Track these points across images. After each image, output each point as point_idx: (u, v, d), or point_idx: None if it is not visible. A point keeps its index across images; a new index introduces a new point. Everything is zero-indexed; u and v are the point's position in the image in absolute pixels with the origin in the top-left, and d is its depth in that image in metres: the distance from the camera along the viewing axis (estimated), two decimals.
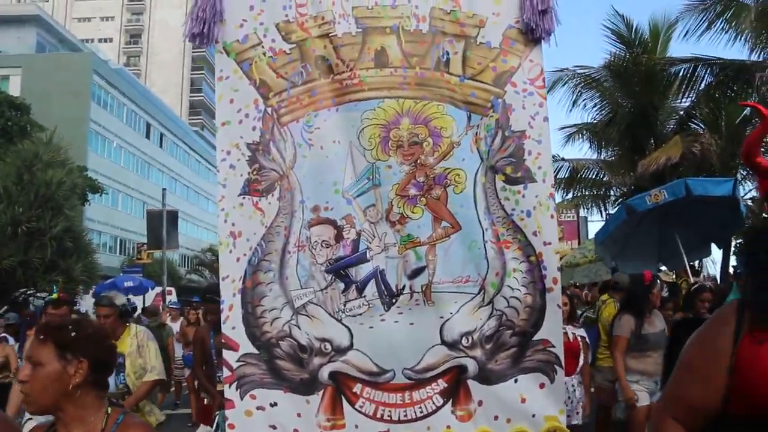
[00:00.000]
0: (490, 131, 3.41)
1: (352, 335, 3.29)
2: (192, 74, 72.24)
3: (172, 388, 11.55)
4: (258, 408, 3.22)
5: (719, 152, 15.04)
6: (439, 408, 3.26)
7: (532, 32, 3.41)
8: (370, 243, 3.37)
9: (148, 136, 50.82)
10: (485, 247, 3.35)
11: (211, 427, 5.02)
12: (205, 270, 41.35)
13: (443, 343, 3.29)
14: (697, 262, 10.85)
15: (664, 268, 10.08)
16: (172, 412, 10.82)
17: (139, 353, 4.88)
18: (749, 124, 15.88)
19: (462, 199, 3.38)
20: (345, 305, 3.32)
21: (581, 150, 30.66)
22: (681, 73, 15.18)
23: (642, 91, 16.34)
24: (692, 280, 7.96)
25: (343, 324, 3.30)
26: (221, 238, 3.35)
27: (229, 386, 3.25)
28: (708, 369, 1.74)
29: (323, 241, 3.37)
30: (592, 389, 6.35)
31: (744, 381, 1.68)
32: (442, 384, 3.28)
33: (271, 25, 3.43)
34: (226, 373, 3.27)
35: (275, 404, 3.23)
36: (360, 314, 3.31)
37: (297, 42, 3.43)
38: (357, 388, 3.27)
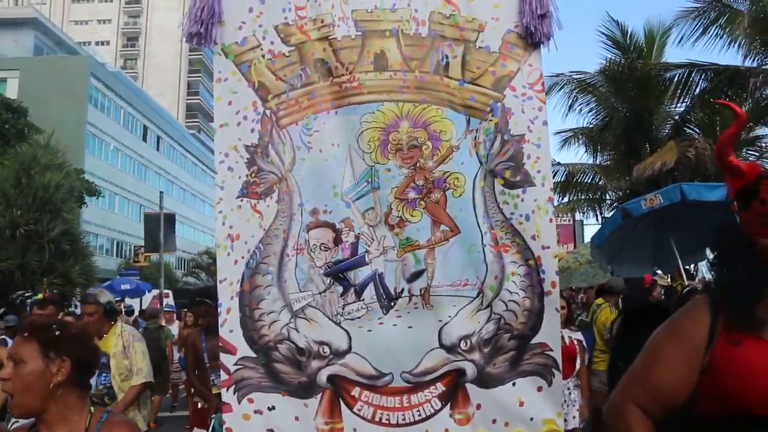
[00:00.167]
0: (489, 135, 3.41)
1: (350, 338, 3.27)
2: (189, 77, 72.31)
3: (170, 391, 11.59)
4: (256, 412, 3.20)
5: (712, 157, 15.12)
6: (437, 411, 3.25)
7: (532, 36, 3.40)
8: (369, 246, 3.36)
9: (145, 139, 50.85)
10: (484, 251, 3.34)
11: (207, 430, 5.00)
12: (201, 273, 41.34)
13: (442, 346, 3.28)
14: (692, 266, 10.94)
15: (659, 272, 10.17)
16: (169, 415, 10.88)
17: (125, 354, 4.77)
18: (743, 129, 16.02)
19: (461, 203, 3.37)
20: (343, 308, 3.30)
21: (577, 154, 30.87)
22: (676, 79, 15.30)
23: (637, 96, 16.47)
24: (686, 283, 8.04)
25: (342, 327, 3.29)
26: (219, 241, 3.33)
27: (227, 390, 3.22)
28: (679, 363, 1.75)
29: (322, 244, 3.35)
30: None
31: (719, 382, 1.70)
32: (440, 387, 3.26)
33: (270, 28, 3.42)
34: (223, 376, 3.24)
35: (273, 408, 3.21)
36: (359, 317, 3.29)
37: (296, 44, 3.42)
38: (355, 391, 3.25)
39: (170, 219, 21.54)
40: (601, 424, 6.58)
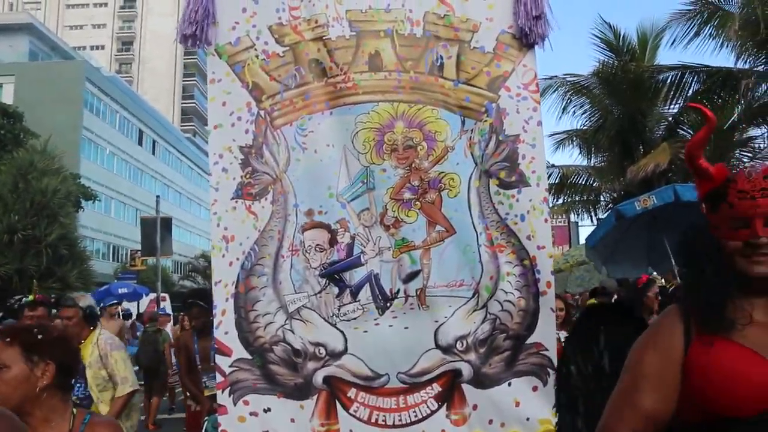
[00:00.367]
0: (484, 136, 3.40)
1: (346, 339, 3.26)
2: (184, 81, 72.32)
3: (167, 394, 11.65)
4: (251, 414, 3.17)
5: (707, 158, 15.20)
6: (433, 412, 3.24)
7: (526, 37, 3.40)
8: (365, 247, 3.34)
9: (140, 143, 50.83)
10: (479, 251, 3.33)
11: None
12: (198, 276, 41.27)
13: (438, 347, 3.26)
14: None
15: (654, 273, 10.24)
16: (167, 417, 10.94)
17: (102, 364, 4.55)
18: (736, 130, 16.16)
19: (456, 204, 3.36)
20: (339, 309, 3.29)
21: (571, 156, 31.00)
22: (669, 80, 15.36)
23: (631, 98, 16.53)
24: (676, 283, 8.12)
25: (338, 328, 3.27)
26: (214, 242, 3.30)
27: (222, 392, 3.19)
28: (664, 378, 1.73)
29: (317, 245, 3.33)
30: None
31: (696, 387, 1.69)
32: (436, 388, 3.25)
33: (264, 28, 3.39)
34: (218, 378, 3.21)
35: (269, 410, 3.18)
36: (354, 318, 3.28)
37: (290, 45, 3.40)
38: (351, 392, 3.24)
39: (167, 223, 21.54)
40: None
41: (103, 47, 71.38)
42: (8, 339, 2.06)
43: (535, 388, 3.25)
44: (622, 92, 16.71)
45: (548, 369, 3.26)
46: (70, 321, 4.59)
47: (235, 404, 3.17)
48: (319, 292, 3.30)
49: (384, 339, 3.25)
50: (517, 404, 3.23)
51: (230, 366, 3.20)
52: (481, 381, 3.26)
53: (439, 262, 3.33)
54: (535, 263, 3.31)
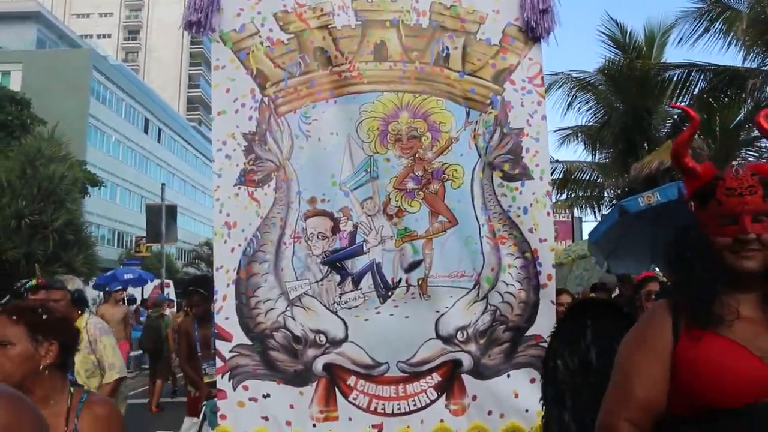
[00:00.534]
0: (489, 128, 3.40)
1: (347, 327, 3.26)
2: (190, 70, 72.32)
3: (170, 378, 11.79)
4: (250, 399, 3.18)
5: (712, 156, 15.26)
6: (432, 402, 3.25)
7: (533, 31, 3.40)
8: (367, 236, 3.34)
9: (146, 131, 50.91)
10: (481, 243, 3.33)
11: (198, 418, 4.83)
12: (201, 263, 41.46)
13: (438, 337, 3.27)
14: None
15: (657, 269, 10.28)
16: (170, 401, 11.08)
17: (91, 349, 4.48)
18: (743, 130, 16.17)
19: (459, 195, 3.36)
20: (340, 297, 3.29)
21: (576, 152, 30.95)
22: (675, 78, 15.25)
23: (636, 95, 16.46)
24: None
25: (339, 316, 3.27)
26: (216, 228, 3.30)
27: (222, 377, 3.20)
28: (655, 371, 1.77)
29: (319, 233, 3.33)
30: None
31: (682, 380, 1.73)
32: (436, 378, 3.25)
33: (269, 15, 3.38)
34: (218, 363, 3.22)
35: (268, 396, 3.19)
36: (355, 306, 3.28)
37: (295, 32, 3.39)
38: (351, 380, 3.24)
39: (172, 210, 21.71)
40: None
41: (109, 36, 71.41)
42: (15, 317, 2.10)
43: (533, 380, 3.24)
44: (628, 89, 16.63)
45: None
46: (58, 304, 4.36)
47: (234, 389, 3.18)
48: (321, 280, 3.31)
49: (385, 328, 3.26)
50: (516, 396, 3.23)
51: (230, 351, 3.20)
52: (481, 372, 3.27)
53: (441, 253, 3.33)
54: (537, 256, 3.32)
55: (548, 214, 3.41)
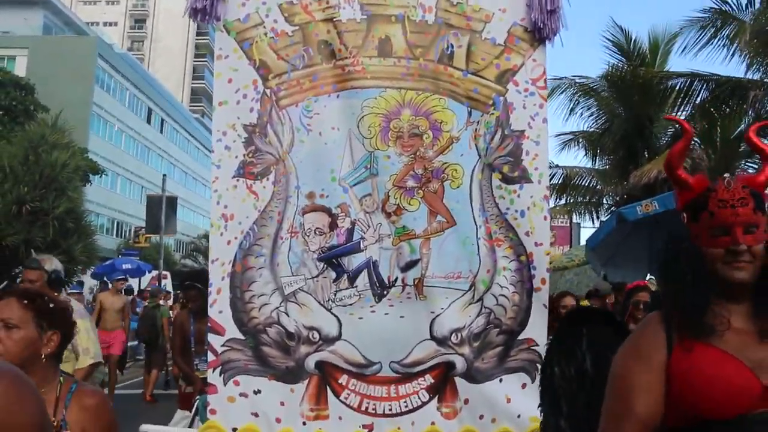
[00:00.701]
0: (490, 129, 3.37)
1: (340, 325, 3.23)
2: (195, 61, 72.29)
3: (165, 369, 11.86)
4: (241, 395, 3.15)
5: (712, 167, 15.32)
6: (424, 404, 3.22)
7: (539, 31, 3.37)
8: (365, 233, 3.30)
9: (149, 121, 50.94)
10: (478, 244, 3.31)
11: (190, 412, 4.87)
12: (199, 256, 41.43)
13: (433, 338, 3.24)
14: None
15: (652, 278, 10.33)
16: (162, 392, 11.12)
17: None
18: (743, 141, 16.21)
19: (458, 195, 3.34)
20: (335, 294, 3.25)
21: (576, 157, 30.97)
22: (678, 87, 15.29)
23: (639, 103, 16.49)
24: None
25: (333, 313, 3.24)
26: (213, 220, 3.27)
27: (213, 371, 3.16)
28: (652, 384, 1.78)
29: (317, 228, 3.30)
30: None
31: (678, 391, 1.74)
32: (429, 379, 3.23)
33: (274, 6, 3.33)
34: (210, 357, 3.18)
35: (259, 392, 3.15)
36: (350, 304, 3.25)
37: (300, 24, 3.34)
38: (343, 379, 3.21)
39: (172, 202, 21.71)
40: None
41: (115, 24, 71.31)
42: (26, 301, 2.10)
43: (524, 385, 3.25)
44: (631, 96, 16.67)
45: (537, 365, 3.24)
46: (34, 284, 4.19)
47: (225, 384, 3.15)
48: (316, 276, 3.27)
49: (379, 327, 3.23)
50: (509, 400, 3.22)
51: (222, 345, 3.17)
52: (474, 375, 3.25)
53: (439, 253, 3.31)
54: (532, 259, 3.32)
55: (545, 218, 3.40)
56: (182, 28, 65.77)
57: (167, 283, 20.68)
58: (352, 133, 3.33)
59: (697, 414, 1.71)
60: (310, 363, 3.22)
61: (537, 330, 3.31)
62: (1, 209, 15.27)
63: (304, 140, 3.32)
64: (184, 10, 3.38)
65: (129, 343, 13.06)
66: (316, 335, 3.22)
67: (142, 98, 49.53)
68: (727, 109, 15.04)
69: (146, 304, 12.69)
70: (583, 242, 19.17)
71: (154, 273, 20.72)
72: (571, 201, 19.79)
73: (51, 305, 2.15)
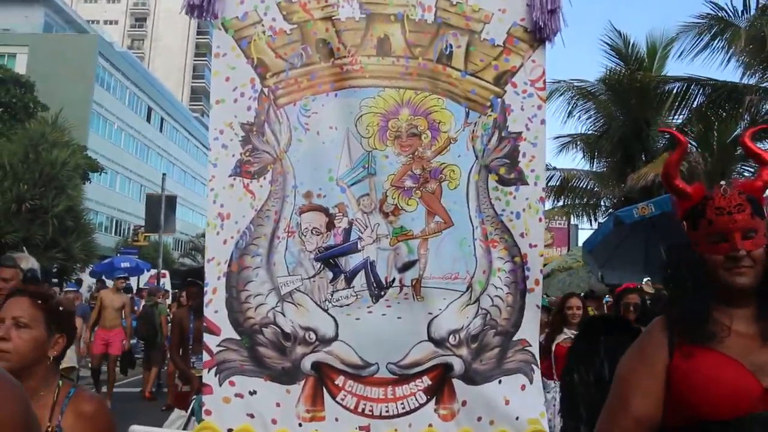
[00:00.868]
0: (488, 130, 3.36)
1: (337, 326, 3.20)
2: (195, 60, 72.29)
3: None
4: (236, 395, 3.11)
5: (709, 171, 15.42)
6: (422, 405, 3.19)
7: (540, 31, 3.35)
8: (362, 233, 3.27)
9: (149, 120, 50.96)
10: (474, 245, 3.30)
11: (186, 411, 4.85)
12: (198, 254, 41.46)
13: (430, 339, 3.21)
14: None
15: (646, 279, 10.39)
16: (163, 391, 11.20)
17: None
18: (739, 145, 16.30)
19: (455, 196, 3.32)
20: (332, 295, 3.22)
21: (575, 160, 31.13)
22: (675, 91, 15.35)
23: (636, 106, 16.59)
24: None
25: (329, 314, 3.21)
26: (209, 219, 3.24)
27: (208, 371, 3.12)
28: (652, 386, 1.84)
29: (314, 228, 3.27)
30: None
31: (675, 393, 1.81)
32: (426, 381, 3.20)
33: (273, 4, 3.31)
34: (206, 357, 3.15)
35: (254, 392, 3.12)
36: (347, 305, 3.22)
37: (298, 23, 3.32)
38: (339, 380, 3.18)
39: (171, 201, 21.68)
40: None
41: (116, 22, 71.27)
42: (39, 301, 2.09)
43: (522, 387, 3.24)
44: (628, 100, 16.76)
45: (533, 365, 3.28)
46: (8, 283, 4.11)
47: (220, 384, 3.12)
48: (313, 276, 3.24)
49: (376, 328, 3.21)
50: (507, 402, 3.20)
51: (218, 345, 3.14)
52: (472, 377, 3.22)
53: (436, 254, 3.29)
54: (526, 261, 3.32)
55: (540, 220, 3.40)
56: (183, 27, 65.78)
57: (166, 282, 20.72)
58: (350, 132, 3.31)
59: (697, 415, 1.76)
60: (307, 364, 3.19)
61: (529, 330, 3.32)
62: (0, 207, 15.34)
63: (301, 139, 3.30)
64: (182, 6, 3.36)
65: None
66: (313, 336, 3.19)
67: (142, 97, 49.56)
68: (724, 113, 15.13)
69: (145, 302, 12.76)
70: (581, 244, 19.26)
71: (153, 272, 20.77)
72: (569, 203, 19.88)
73: (60, 308, 2.15)
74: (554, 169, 18.56)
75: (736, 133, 15.96)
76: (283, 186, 3.26)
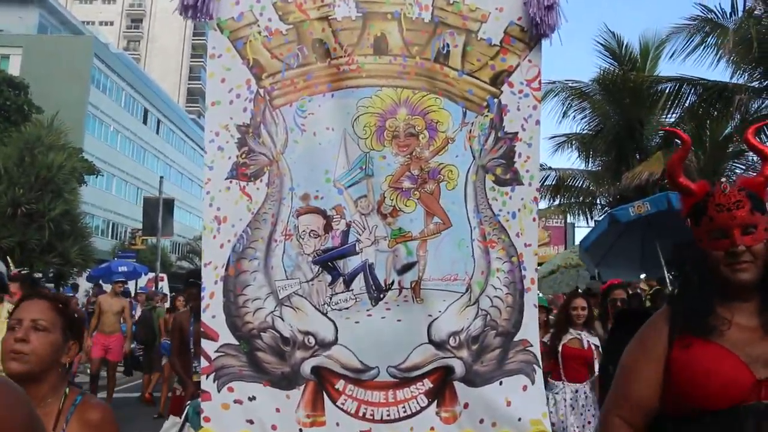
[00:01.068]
0: (484, 130, 3.35)
1: (337, 329, 3.16)
2: (191, 62, 72.27)
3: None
4: (235, 401, 3.06)
5: (701, 168, 15.54)
6: (423, 408, 3.16)
7: (537, 27, 3.33)
8: (360, 235, 3.24)
9: (145, 122, 50.88)
10: (472, 246, 3.28)
11: (180, 417, 4.72)
12: (195, 257, 41.46)
13: (431, 342, 3.18)
14: None
15: (642, 276, 10.45)
16: (158, 395, 11.22)
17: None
18: (731, 142, 16.46)
19: (454, 196, 3.30)
20: (331, 298, 3.18)
21: (570, 159, 31.30)
22: (667, 91, 15.52)
23: (630, 106, 16.75)
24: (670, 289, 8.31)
25: (329, 317, 3.17)
26: (205, 223, 3.18)
27: (207, 377, 3.07)
28: (651, 374, 1.92)
29: (311, 230, 3.22)
30: None
31: (674, 383, 1.88)
32: (427, 384, 3.17)
33: (268, 4, 3.27)
34: (203, 363, 3.09)
35: (254, 398, 3.07)
36: (346, 308, 3.18)
37: (294, 23, 3.28)
38: (339, 384, 3.14)
39: (169, 204, 21.68)
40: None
41: (112, 23, 71.19)
42: (60, 306, 2.09)
43: (524, 388, 3.23)
44: (622, 100, 16.93)
45: (534, 366, 3.27)
46: None
47: (219, 390, 3.06)
48: (311, 280, 3.20)
49: (376, 331, 3.17)
50: (509, 404, 3.18)
51: (216, 351, 3.09)
52: (473, 379, 3.20)
53: (435, 255, 3.26)
54: (522, 260, 3.33)
55: (534, 219, 3.41)
56: (179, 28, 65.78)
57: (164, 285, 20.69)
58: (347, 133, 3.27)
59: (693, 405, 1.84)
60: (306, 368, 3.15)
61: (530, 331, 3.32)
62: None
63: (298, 140, 3.26)
64: (176, 7, 3.32)
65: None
66: (312, 340, 3.15)
67: (138, 99, 49.49)
68: (715, 112, 15.32)
69: (143, 306, 12.78)
70: (577, 242, 19.36)
71: (151, 275, 20.75)
72: (566, 202, 19.98)
73: (76, 315, 2.15)
74: (550, 168, 18.66)
75: (727, 131, 16.10)
76: (280, 188, 3.22)
